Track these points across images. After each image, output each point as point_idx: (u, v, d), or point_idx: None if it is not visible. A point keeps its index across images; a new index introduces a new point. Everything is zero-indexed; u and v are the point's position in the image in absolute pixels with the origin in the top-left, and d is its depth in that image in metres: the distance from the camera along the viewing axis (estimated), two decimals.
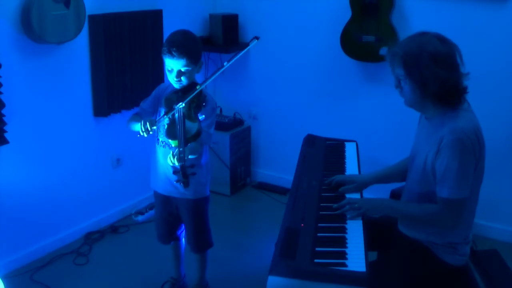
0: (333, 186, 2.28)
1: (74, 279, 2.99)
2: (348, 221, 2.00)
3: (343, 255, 1.77)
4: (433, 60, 1.85)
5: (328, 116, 3.90)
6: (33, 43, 2.85)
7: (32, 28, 2.72)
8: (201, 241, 2.66)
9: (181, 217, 2.63)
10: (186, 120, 2.14)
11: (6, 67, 2.74)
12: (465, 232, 2.02)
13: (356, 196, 2.23)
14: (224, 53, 4.04)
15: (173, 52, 2.25)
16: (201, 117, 2.30)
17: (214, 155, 4.01)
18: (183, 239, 2.79)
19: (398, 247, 2.13)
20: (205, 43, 3.95)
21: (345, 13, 3.48)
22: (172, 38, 2.31)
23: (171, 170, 2.24)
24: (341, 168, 2.47)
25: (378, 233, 2.19)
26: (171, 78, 2.35)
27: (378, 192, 2.48)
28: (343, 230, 1.95)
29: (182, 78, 2.31)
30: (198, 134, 2.16)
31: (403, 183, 2.26)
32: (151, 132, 2.22)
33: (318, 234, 1.90)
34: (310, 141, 2.77)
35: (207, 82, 2.25)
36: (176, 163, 2.07)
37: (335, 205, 2.08)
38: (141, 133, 2.21)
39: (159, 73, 3.60)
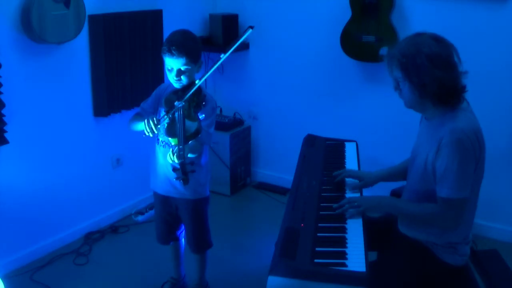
0: (339, 180, 2.31)
1: (74, 279, 2.99)
2: (348, 221, 2.00)
3: (343, 255, 1.77)
4: (430, 60, 1.85)
5: (328, 116, 3.90)
6: (33, 43, 2.85)
7: (32, 28, 2.72)
8: (201, 241, 2.66)
9: (181, 217, 2.63)
10: (186, 119, 2.15)
11: (6, 67, 2.74)
12: (465, 232, 2.02)
13: (356, 194, 2.23)
14: (224, 53, 4.03)
15: (173, 51, 2.26)
16: (201, 116, 2.31)
17: (214, 155, 4.01)
18: (183, 239, 2.79)
19: (398, 247, 2.13)
20: (205, 43, 3.95)
21: (345, 13, 3.48)
22: (172, 38, 2.32)
23: (171, 170, 2.25)
24: (341, 168, 2.46)
25: (378, 233, 2.19)
26: (171, 78, 2.35)
27: (378, 192, 2.48)
28: (343, 230, 1.94)
29: (182, 77, 2.32)
30: (197, 133, 2.16)
31: (404, 182, 2.26)
32: (156, 132, 2.23)
33: (318, 234, 1.90)
34: (310, 141, 2.76)
35: (206, 76, 2.26)
36: (176, 160, 2.08)
37: (335, 205, 2.08)
38: (146, 133, 2.23)
39: (159, 73, 3.60)
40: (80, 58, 3.22)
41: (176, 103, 2.16)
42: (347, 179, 2.34)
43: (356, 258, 1.75)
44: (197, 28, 4.03)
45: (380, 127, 3.71)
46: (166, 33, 3.35)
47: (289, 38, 3.95)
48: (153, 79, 3.57)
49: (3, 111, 2.76)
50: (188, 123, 2.16)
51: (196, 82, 2.25)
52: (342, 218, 2.02)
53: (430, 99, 1.93)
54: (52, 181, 3.18)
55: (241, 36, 2.20)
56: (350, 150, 2.68)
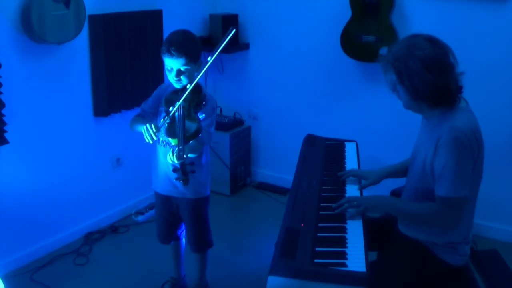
0: (341, 180, 2.32)
1: (74, 279, 2.99)
2: (348, 221, 2.00)
3: (343, 255, 1.77)
4: (423, 64, 1.84)
5: (328, 116, 3.90)
6: (33, 43, 2.85)
7: (32, 28, 2.72)
8: (201, 241, 2.66)
9: (181, 217, 2.63)
10: (186, 119, 2.15)
11: (6, 67, 2.74)
12: (465, 232, 2.02)
13: (356, 194, 2.23)
14: (224, 53, 4.04)
15: (172, 51, 2.25)
16: (201, 116, 2.31)
17: (214, 155, 4.01)
18: (183, 239, 2.79)
19: (398, 247, 2.13)
20: (205, 43, 3.94)
21: (345, 13, 3.48)
22: (171, 38, 2.31)
23: (171, 169, 2.25)
24: (341, 168, 2.46)
25: (378, 233, 2.19)
26: (171, 78, 2.35)
27: (378, 192, 2.47)
28: (343, 230, 1.94)
29: (182, 77, 2.31)
30: (197, 133, 2.16)
31: (404, 181, 2.26)
32: (155, 138, 2.23)
33: (318, 234, 1.90)
34: (310, 141, 2.76)
35: (196, 81, 2.23)
36: (176, 161, 2.08)
37: (334, 205, 2.08)
38: (146, 140, 2.23)
39: (159, 73, 3.60)
40: (80, 58, 3.22)
41: (175, 103, 2.16)
42: (351, 178, 2.35)
43: (356, 258, 1.75)
44: (197, 28, 4.03)
45: (380, 127, 3.71)
46: (166, 33, 3.33)
47: (289, 38, 3.95)
48: (153, 79, 3.57)
49: (3, 111, 2.76)
50: (188, 123, 2.16)
51: (188, 87, 2.23)
52: (342, 218, 2.02)
53: (425, 101, 1.93)
54: (52, 181, 3.18)
55: (225, 38, 2.13)
56: (350, 150, 2.68)
